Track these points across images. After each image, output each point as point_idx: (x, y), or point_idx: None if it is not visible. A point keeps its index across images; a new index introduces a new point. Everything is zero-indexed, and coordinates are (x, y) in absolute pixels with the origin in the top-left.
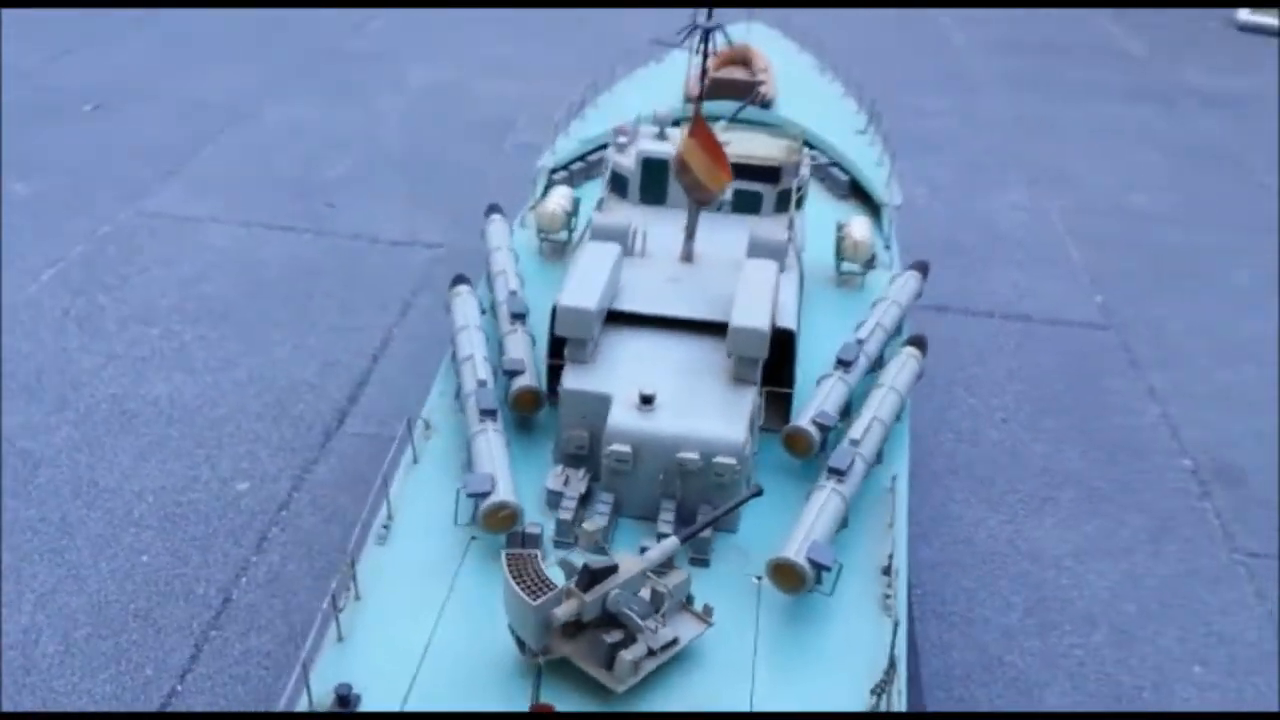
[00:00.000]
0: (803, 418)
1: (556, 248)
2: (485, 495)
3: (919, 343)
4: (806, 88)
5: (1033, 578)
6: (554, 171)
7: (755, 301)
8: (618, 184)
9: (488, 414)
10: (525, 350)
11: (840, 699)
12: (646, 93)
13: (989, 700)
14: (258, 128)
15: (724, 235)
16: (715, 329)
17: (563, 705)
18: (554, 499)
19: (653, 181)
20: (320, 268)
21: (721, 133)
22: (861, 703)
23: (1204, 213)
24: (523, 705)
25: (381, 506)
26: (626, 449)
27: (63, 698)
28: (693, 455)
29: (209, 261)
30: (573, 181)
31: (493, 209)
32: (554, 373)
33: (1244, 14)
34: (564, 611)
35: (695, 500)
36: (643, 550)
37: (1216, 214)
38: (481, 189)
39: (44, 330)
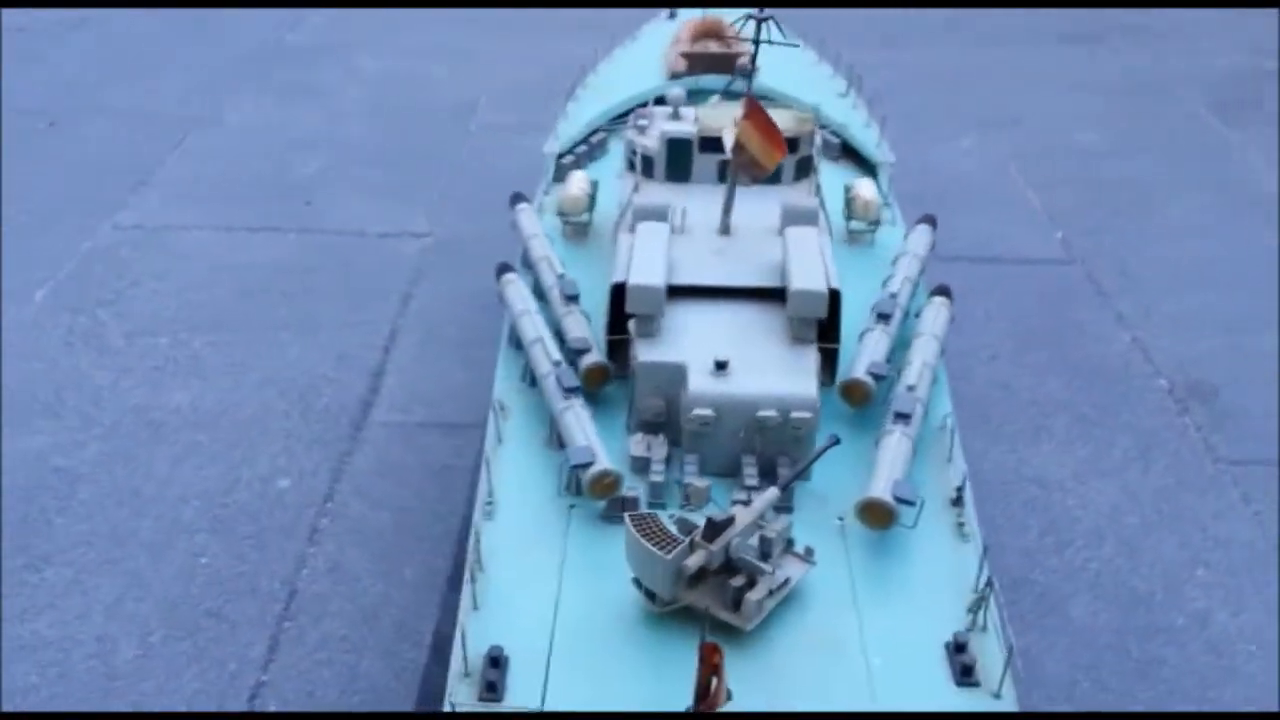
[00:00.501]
0: (857, 370)
1: (579, 230)
2: (588, 465)
3: (945, 291)
4: (782, 55)
5: (1040, 501)
6: (561, 157)
7: (809, 265)
8: (644, 165)
9: (571, 391)
10: (585, 329)
11: (940, 620)
12: (630, 72)
13: (1021, 616)
14: (221, 132)
15: (752, 206)
16: (767, 294)
17: (687, 648)
18: (640, 464)
19: (677, 160)
20: (311, 265)
21: (726, 109)
22: (959, 622)
23: (1143, 145)
24: (658, 651)
25: (485, 484)
26: (709, 412)
27: (151, 699)
28: (771, 413)
29: (199, 269)
30: (579, 164)
31: (518, 197)
32: (614, 348)
33: None
34: (694, 561)
35: (773, 454)
36: (734, 503)
37: (1155, 145)
38: (456, 173)
39: (53, 350)
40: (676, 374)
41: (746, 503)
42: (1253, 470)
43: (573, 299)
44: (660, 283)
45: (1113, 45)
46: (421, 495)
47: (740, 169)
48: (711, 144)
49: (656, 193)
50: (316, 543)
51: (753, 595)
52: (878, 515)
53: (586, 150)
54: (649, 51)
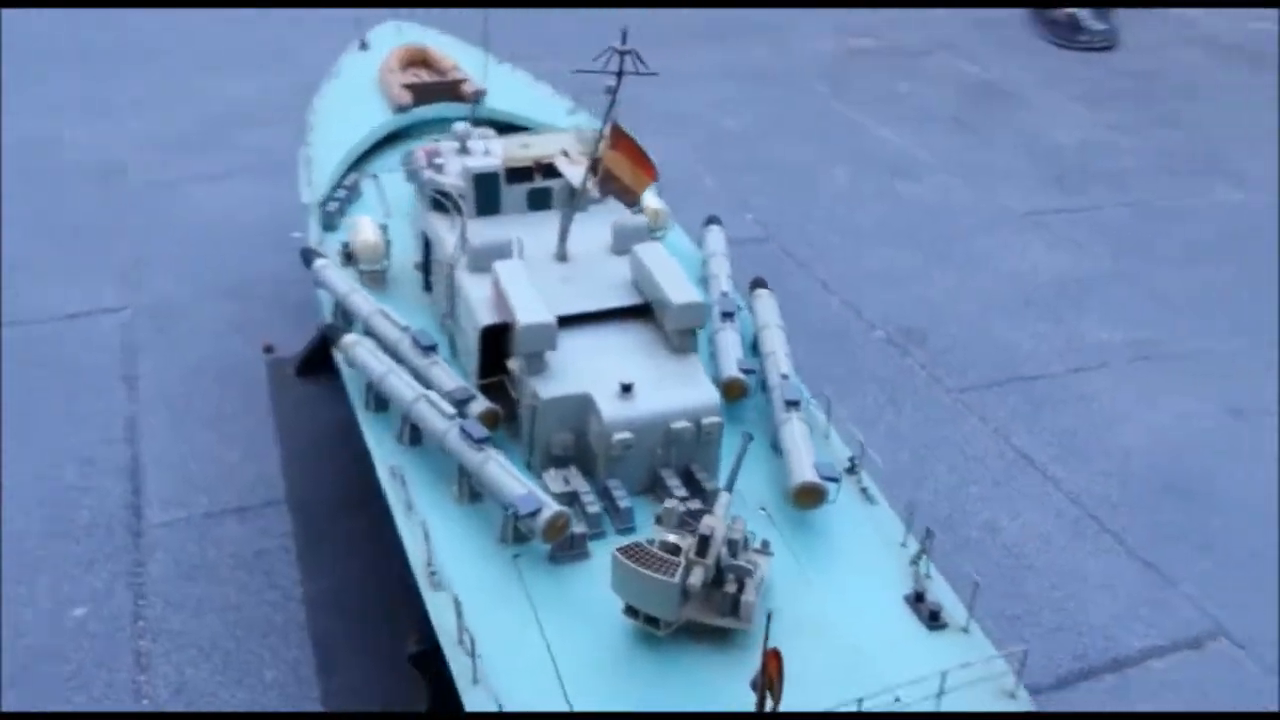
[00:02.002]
0: (727, 368)
1: (376, 277)
2: (537, 512)
3: (763, 283)
4: (501, 78)
5: None
6: (323, 204)
7: (677, 279)
8: (444, 203)
9: (483, 441)
10: (457, 377)
11: (888, 578)
12: (352, 110)
13: None
14: None
15: (584, 231)
16: (635, 312)
17: (703, 660)
18: (566, 499)
19: (486, 194)
20: (7, 362)
21: (514, 144)
22: (908, 575)
23: (788, 127)
24: (676, 672)
25: (421, 554)
26: (629, 435)
27: None
28: (684, 424)
29: None
30: (342, 210)
31: (310, 254)
32: (488, 390)
33: None
34: (697, 578)
35: (686, 462)
36: (657, 519)
37: (797, 127)
38: (134, 237)
39: None
40: (583, 405)
41: (691, 514)
42: (978, 394)
43: (431, 349)
44: (551, 318)
45: (741, 41)
46: (245, 589)
47: (616, 196)
48: (519, 175)
49: (482, 229)
50: (147, 668)
51: (747, 597)
52: (811, 496)
53: (346, 195)
54: (359, 86)
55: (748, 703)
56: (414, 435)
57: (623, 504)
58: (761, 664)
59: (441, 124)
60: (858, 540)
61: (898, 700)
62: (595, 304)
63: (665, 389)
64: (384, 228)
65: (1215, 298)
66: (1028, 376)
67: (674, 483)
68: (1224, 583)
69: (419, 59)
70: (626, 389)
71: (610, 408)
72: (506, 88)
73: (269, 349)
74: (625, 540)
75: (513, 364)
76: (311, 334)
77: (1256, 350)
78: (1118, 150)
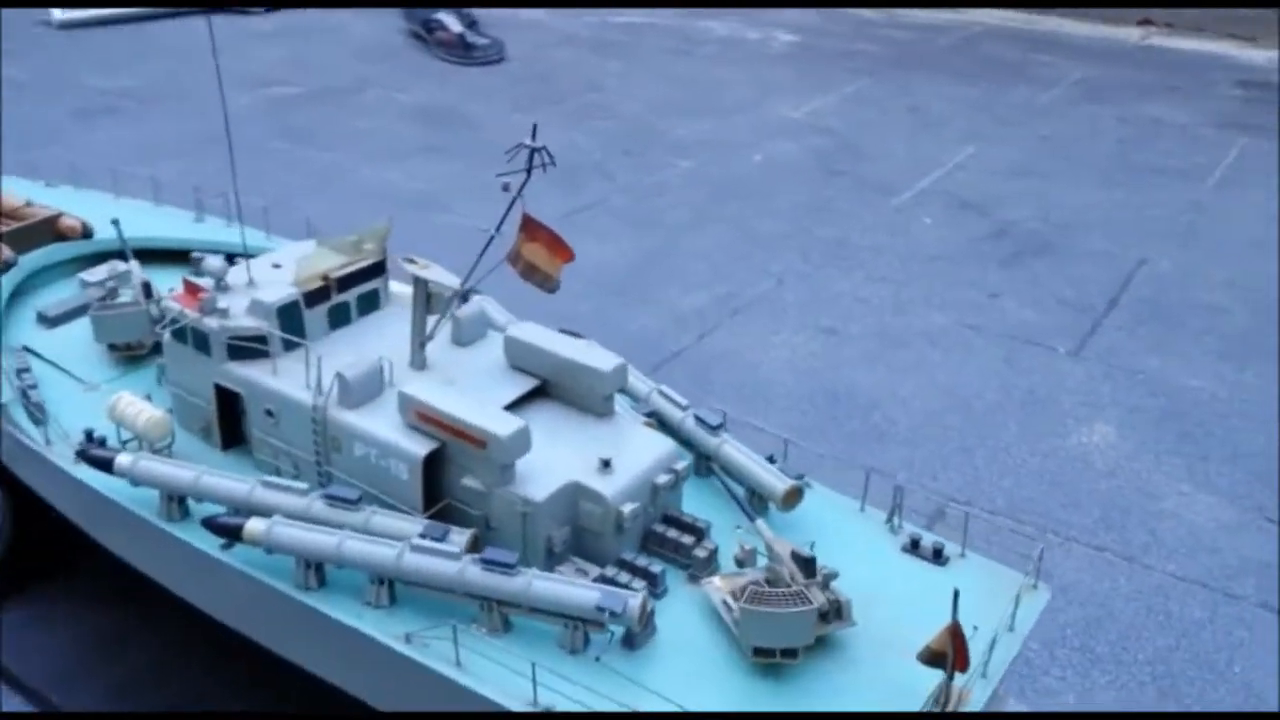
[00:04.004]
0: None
1: (163, 455)
2: (626, 604)
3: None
4: (80, 200)
5: None
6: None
7: (579, 348)
8: (249, 348)
9: (512, 567)
10: (403, 518)
11: (879, 540)
12: None
13: None
14: None
15: (394, 335)
16: (535, 394)
17: (828, 666)
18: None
19: (290, 326)
20: None
21: (265, 266)
22: (886, 534)
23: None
24: (825, 688)
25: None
26: (637, 504)
27: None
28: (666, 476)
29: None
30: (25, 397)
31: (98, 443)
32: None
33: (58, 13)
34: (818, 598)
35: (663, 510)
36: (738, 561)
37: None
38: None
39: None
40: (573, 494)
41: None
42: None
43: (356, 502)
44: (524, 423)
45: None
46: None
47: (538, 286)
48: (316, 296)
49: (289, 368)
50: None
51: (844, 598)
52: (795, 497)
53: (22, 380)
54: None
55: (913, 676)
56: (390, 594)
57: (654, 569)
58: (950, 630)
59: (60, 270)
60: (832, 522)
61: (975, 629)
62: (503, 398)
63: (625, 452)
64: (149, 396)
65: (740, 247)
66: (673, 352)
67: (671, 533)
68: (883, 452)
69: None
70: (606, 464)
71: (605, 486)
72: (101, 208)
73: None
74: (657, 602)
75: (471, 482)
76: None
77: (811, 285)
78: (574, 146)
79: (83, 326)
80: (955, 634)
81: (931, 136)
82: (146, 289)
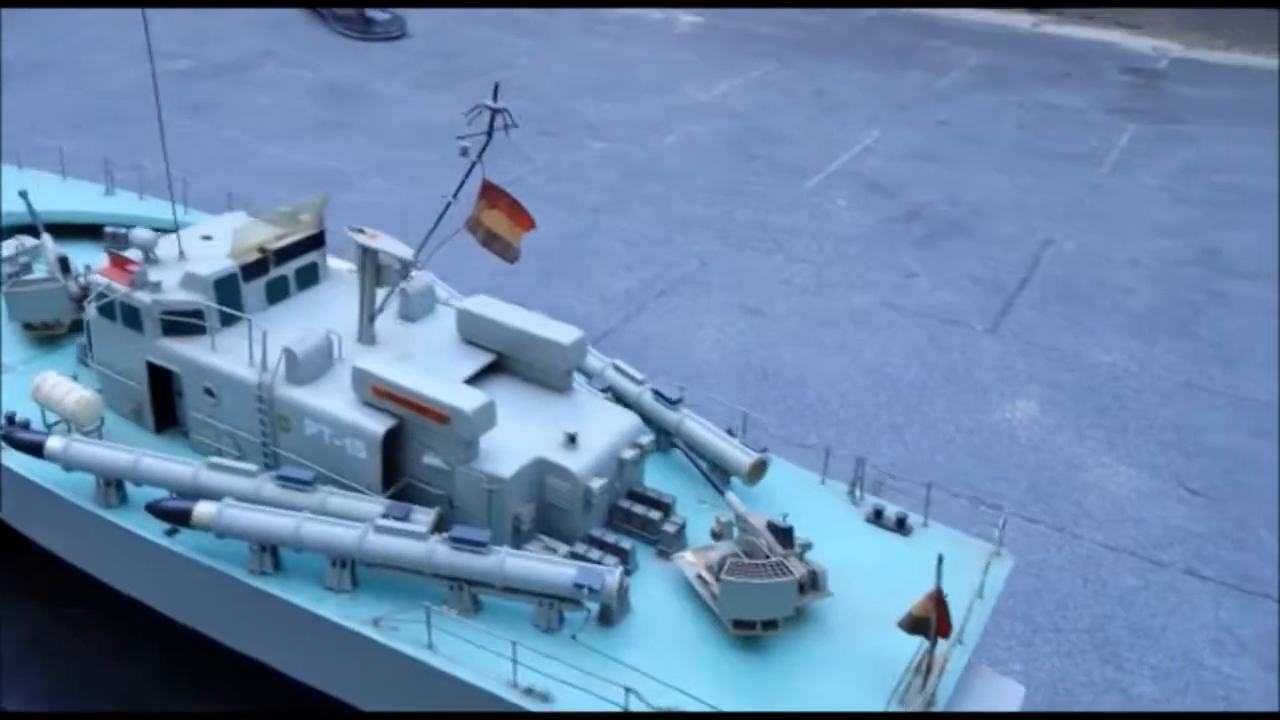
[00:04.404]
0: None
1: (93, 438)
2: (599, 585)
3: None
4: None
5: None
6: None
7: (543, 322)
8: (185, 323)
9: (483, 545)
10: (360, 499)
11: (842, 513)
12: None
13: None
14: None
15: (337, 310)
16: (491, 369)
17: (805, 637)
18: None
19: (227, 299)
20: None
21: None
22: (848, 505)
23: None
24: (802, 660)
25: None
26: (605, 480)
27: None
28: (631, 451)
29: None
30: None
31: (28, 438)
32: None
33: None
34: (800, 571)
35: (629, 485)
36: (714, 534)
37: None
38: None
39: None
40: (539, 470)
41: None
42: None
43: (309, 483)
44: (489, 398)
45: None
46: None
47: (498, 254)
48: (255, 269)
49: (233, 340)
50: None
51: (818, 568)
52: (759, 470)
53: None
54: None
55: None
56: (352, 577)
57: (625, 545)
58: (933, 597)
59: None
60: (790, 496)
61: (947, 596)
62: (460, 373)
63: (590, 425)
64: (75, 376)
65: (661, 229)
66: (603, 333)
67: (638, 508)
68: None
69: None
70: (572, 439)
71: (573, 462)
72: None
73: None
74: (629, 579)
75: (433, 460)
76: None
77: (733, 267)
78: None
79: None
80: (938, 600)
81: (836, 120)
82: (64, 264)
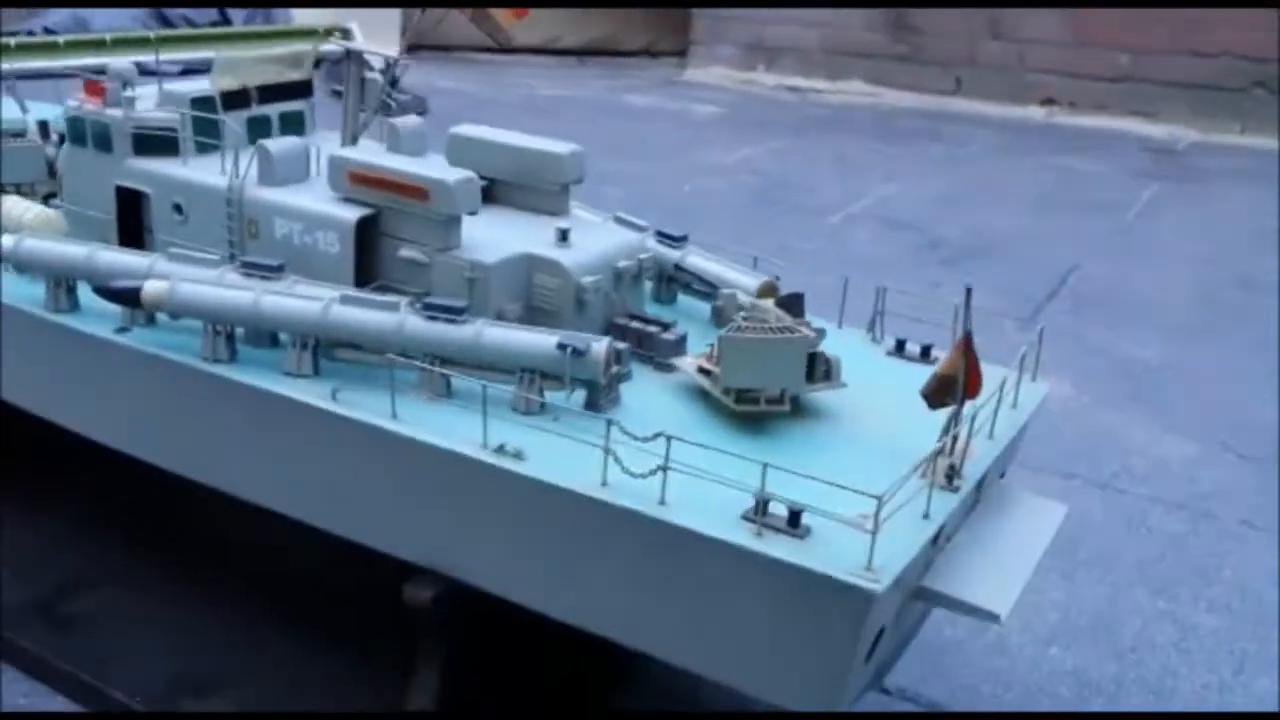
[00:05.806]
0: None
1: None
2: (586, 347)
3: None
4: None
5: None
6: None
7: (528, 139)
8: (158, 140)
9: (459, 311)
10: (330, 288)
11: (868, 353)
12: None
13: None
14: None
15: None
16: (486, 198)
17: (819, 424)
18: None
19: (203, 125)
20: None
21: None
22: (878, 345)
23: None
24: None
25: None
26: (597, 277)
27: None
28: (627, 263)
29: None
30: None
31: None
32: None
33: None
34: (810, 335)
35: (627, 306)
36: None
37: None
38: None
39: None
40: (526, 265)
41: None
42: None
43: (279, 269)
44: (472, 173)
45: None
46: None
47: (489, 35)
48: (236, 100)
49: (208, 165)
50: None
51: (831, 356)
52: (768, 293)
53: None
54: None
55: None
56: (314, 361)
57: (619, 345)
58: (961, 346)
59: None
60: None
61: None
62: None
63: (585, 235)
64: (47, 199)
65: None
66: None
67: (636, 324)
68: None
69: None
70: (564, 235)
71: (564, 257)
72: None
73: None
74: (621, 386)
75: (411, 253)
76: None
77: None
78: None
79: None
80: (967, 349)
81: (858, 177)
82: (43, 129)
